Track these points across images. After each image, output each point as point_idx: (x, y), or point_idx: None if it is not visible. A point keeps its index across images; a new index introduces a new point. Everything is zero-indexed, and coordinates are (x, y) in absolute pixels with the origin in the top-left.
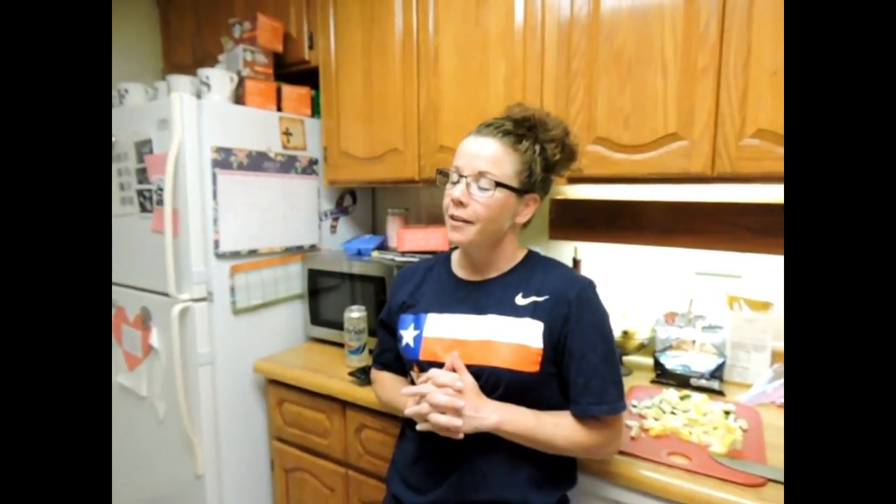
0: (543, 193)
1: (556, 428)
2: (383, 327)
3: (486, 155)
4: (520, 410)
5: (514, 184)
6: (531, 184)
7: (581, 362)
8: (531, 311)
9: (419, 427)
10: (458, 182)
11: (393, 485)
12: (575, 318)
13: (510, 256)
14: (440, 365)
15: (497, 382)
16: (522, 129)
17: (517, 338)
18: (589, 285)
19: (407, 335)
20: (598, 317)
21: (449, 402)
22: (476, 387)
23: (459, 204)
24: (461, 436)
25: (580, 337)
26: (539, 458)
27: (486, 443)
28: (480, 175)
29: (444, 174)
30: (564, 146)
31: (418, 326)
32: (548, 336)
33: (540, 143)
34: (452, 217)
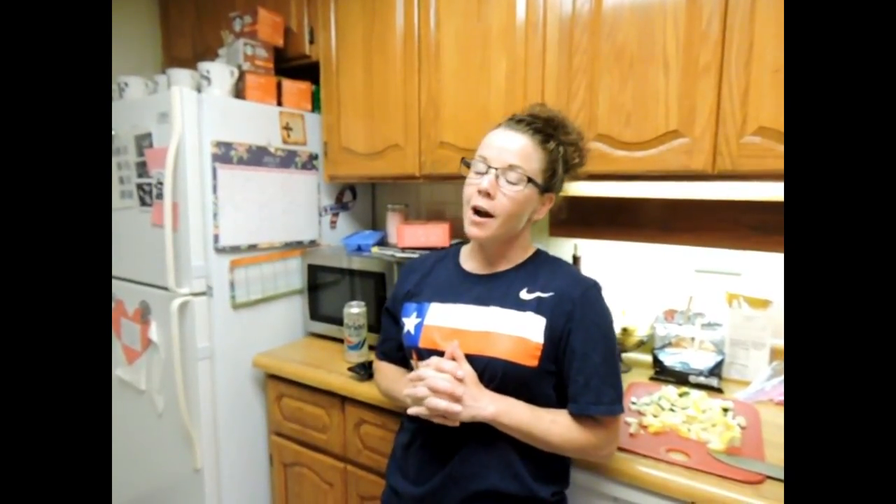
0: (557, 194)
1: (552, 425)
2: (387, 316)
3: (516, 149)
4: (517, 404)
5: (539, 181)
6: (552, 183)
7: (582, 361)
8: (535, 307)
9: (412, 410)
10: (485, 173)
11: (392, 478)
12: (578, 316)
13: (521, 253)
14: (439, 353)
15: (494, 373)
16: (550, 128)
17: (518, 331)
18: (594, 286)
19: (409, 323)
20: (602, 318)
21: (448, 387)
22: (475, 377)
23: (486, 195)
24: (457, 423)
25: (583, 336)
26: (536, 452)
27: (484, 434)
28: (510, 168)
29: (467, 164)
30: (580, 151)
31: (420, 315)
32: (549, 332)
33: (563, 145)
34: (476, 209)
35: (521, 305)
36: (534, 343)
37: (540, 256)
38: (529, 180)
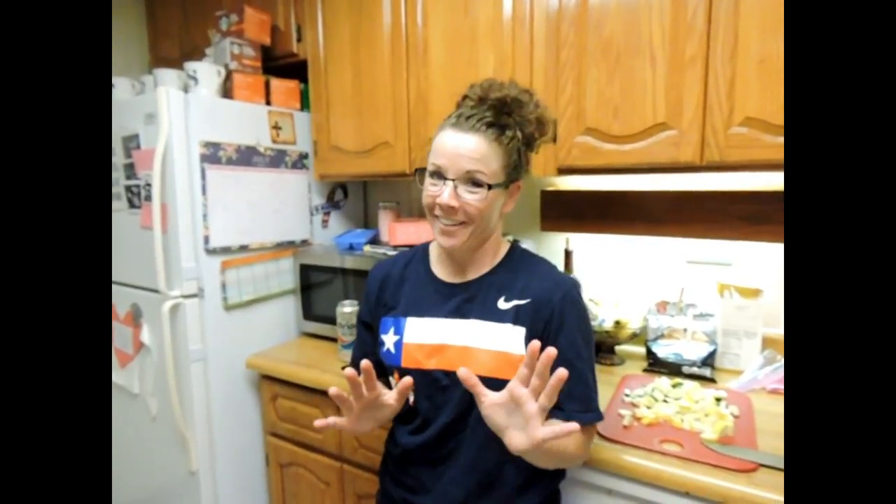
0: (525, 175)
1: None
2: (363, 327)
3: (471, 154)
4: None
5: (502, 178)
6: (517, 174)
7: (568, 368)
8: (513, 316)
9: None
10: (443, 184)
11: (384, 480)
12: (558, 322)
13: (494, 252)
14: (423, 372)
15: None
16: (503, 115)
17: (498, 344)
18: (573, 287)
19: (388, 340)
20: (583, 321)
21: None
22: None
23: (450, 210)
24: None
25: (567, 342)
26: (524, 464)
27: (471, 451)
28: (468, 175)
29: (421, 173)
30: (540, 121)
31: (398, 332)
32: (529, 341)
33: (519, 126)
34: (444, 224)
35: (501, 316)
36: (516, 356)
37: (515, 255)
38: (490, 186)
